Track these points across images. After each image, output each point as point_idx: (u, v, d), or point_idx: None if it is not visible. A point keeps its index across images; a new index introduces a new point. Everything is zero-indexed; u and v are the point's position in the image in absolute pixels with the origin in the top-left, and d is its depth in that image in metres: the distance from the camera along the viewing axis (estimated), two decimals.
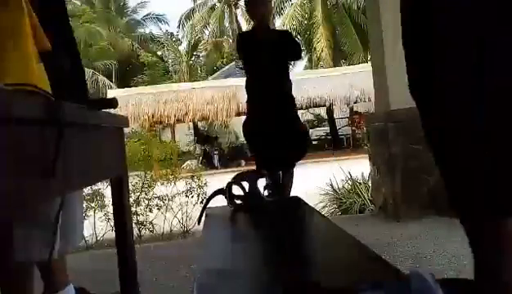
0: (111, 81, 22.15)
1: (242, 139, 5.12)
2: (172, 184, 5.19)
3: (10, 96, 0.75)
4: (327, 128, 20.12)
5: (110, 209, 3.91)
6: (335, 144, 17.93)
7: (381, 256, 1.23)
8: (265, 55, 3.04)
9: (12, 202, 0.75)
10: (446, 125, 0.94)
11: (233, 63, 21.69)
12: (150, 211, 4.99)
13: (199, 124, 17.87)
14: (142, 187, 4.99)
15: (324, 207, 5.30)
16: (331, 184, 5.54)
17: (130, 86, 19.77)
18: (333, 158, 12.74)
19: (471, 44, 0.85)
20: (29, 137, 0.82)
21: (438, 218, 3.45)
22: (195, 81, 18.78)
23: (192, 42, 24.34)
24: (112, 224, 3.90)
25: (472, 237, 0.93)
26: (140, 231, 4.87)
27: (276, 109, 3.10)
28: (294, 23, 18.33)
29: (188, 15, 24.30)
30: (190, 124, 17.04)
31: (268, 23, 3.22)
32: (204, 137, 16.47)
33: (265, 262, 1.43)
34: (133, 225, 3.23)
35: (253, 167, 3.42)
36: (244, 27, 24.02)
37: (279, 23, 19.98)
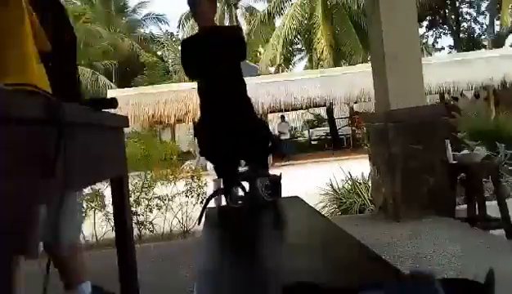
0: (111, 81, 22.14)
1: None
2: (172, 184, 5.19)
3: (10, 96, 0.75)
4: (327, 128, 20.12)
5: (110, 209, 3.91)
6: (335, 144, 17.92)
7: (381, 256, 1.23)
8: (210, 56, 2.91)
9: (12, 201, 0.75)
10: None
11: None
12: (150, 211, 4.99)
13: None
14: (142, 187, 4.99)
15: (324, 207, 5.30)
16: (331, 184, 5.54)
17: (130, 86, 19.76)
18: (333, 158, 12.73)
19: None
20: (29, 137, 0.82)
21: (438, 218, 3.45)
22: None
23: None
24: (112, 224, 3.91)
25: None
26: (140, 231, 4.87)
27: (229, 113, 2.89)
28: (294, 23, 18.30)
29: (188, 15, 24.26)
30: (190, 124, 17.05)
31: (212, 22, 3.08)
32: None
33: (265, 262, 1.43)
34: (133, 225, 3.23)
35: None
36: (245, 27, 24.02)
37: (279, 23, 20.00)
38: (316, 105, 15.49)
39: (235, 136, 2.81)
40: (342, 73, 15.21)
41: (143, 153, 5.26)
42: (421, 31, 24.76)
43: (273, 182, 2.61)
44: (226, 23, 25.57)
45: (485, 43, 24.14)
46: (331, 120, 18.98)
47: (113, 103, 1.36)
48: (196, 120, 3.20)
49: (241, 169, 3.06)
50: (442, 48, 27.89)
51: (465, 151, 4.05)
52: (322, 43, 17.87)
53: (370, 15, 4.17)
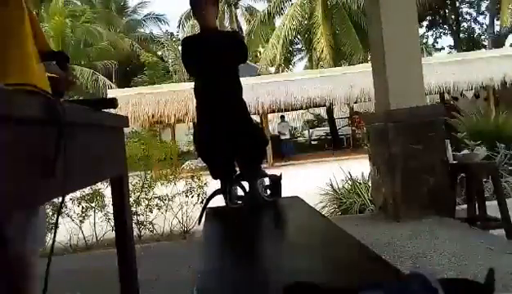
0: (111, 81, 22.13)
1: None
2: (172, 184, 5.19)
3: (10, 96, 0.75)
4: (327, 128, 20.13)
5: (110, 209, 3.91)
6: (335, 144, 17.93)
7: (381, 256, 1.23)
8: (211, 57, 2.92)
9: (12, 201, 0.75)
10: None
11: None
12: (150, 211, 4.99)
13: None
14: (142, 187, 4.99)
15: (324, 207, 5.30)
16: (331, 184, 5.54)
17: (130, 86, 19.76)
18: (333, 158, 12.74)
19: None
20: (29, 137, 0.82)
21: (438, 218, 3.45)
22: None
23: None
24: (112, 224, 3.91)
25: None
26: (140, 231, 4.87)
27: (225, 114, 2.91)
28: (294, 23, 18.29)
29: (188, 15, 24.28)
30: (190, 124, 17.04)
31: (214, 24, 3.09)
32: None
33: (265, 262, 1.43)
34: (133, 225, 3.23)
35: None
36: (245, 27, 24.02)
37: (279, 23, 20.00)
38: (316, 105, 15.49)
39: (231, 138, 2.82)
40: (342, 73, 15.20)
41: (143, 153, 5.26)
42: (421, 31, 24.77)
43: (273, 182, 2.61)
44: (226, 23, 25.57)
45: (485, 43, 24.15)
46: (331, 120, 18.99)
47: (113, 103, 1.36)
48: (195, 122, 3.19)
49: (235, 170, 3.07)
50: (442, 48, 27.93)
51: (465, 151, 4.05)
52: (322, 43, 17.87)
53: (370, 15, 4.17)
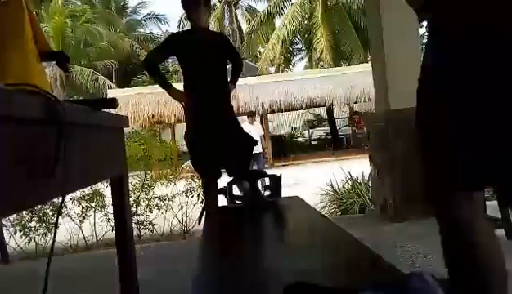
0: (111, 81, 22.14)
1: None
2: (172, 184, 5.19)
3: (10, 96, 0.75)
4: (327, 128, 20.12)
5: (110, 209, 3.91)
6: (335, 144, 17.92)
7: (381, 256, 1.23)
8: (201, 56, 2.93)
9: (12, 201, 0.75)
10: None
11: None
12: (150, 211, 4.99)
13: None
14: (142, 187, 4.99)
15: (324, 207, 5.30)
16: (331, 184, 5.54)
17: (130, 86, 19.76)
18: (333, 158, 12.74)
19: None
20: (29, 137, 0.82)
21: None
22: None
23: None
24: (112, 224, 3.91)
25: None
26: (140, 231, 4.87)
27: (217, 113, 2.93)
28: (294, 23, 18.30)
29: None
30: None
31: (204, 25, 3.09)
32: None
33: (265, 262, 1.43)
34: (133, 225, 3.23)
35: (254, 168, 3.38)
36: (245, 27, 24.02)
37: (279, 23, 20.00)
38: (316, 105, 15.49)
39: (219, 137, 2.84)
40: (342, 73, 15.21)
41: (143, 153, 5.26)
42: (421, 31, 24.73)
43: (273, 182, 2.61)
44: (226, 23, 25.57)
45: None
46: (331, 120, 18.98)
47: (113, 103, 1.36)
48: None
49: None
50: None
51: None
52: (322, 43, 17.88)
53: (369, 15, 4.17)
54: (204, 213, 3.05)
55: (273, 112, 15.57)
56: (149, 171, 5.17)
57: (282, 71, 22.12)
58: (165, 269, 2.87)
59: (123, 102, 13.14)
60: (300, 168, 12.43)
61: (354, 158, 11.34)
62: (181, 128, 16.57)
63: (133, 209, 4.68)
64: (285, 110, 15.47)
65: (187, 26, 26.57)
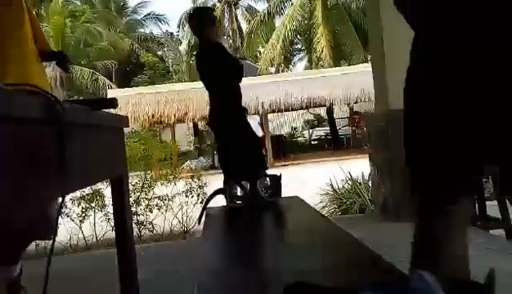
0: (111, 81, 22.12)
1: None
2: (172, 184, 5.19)
3: (10, 96, 0.75)
4: (327, 128, 20.11)
5: (110, 209, 3.91)
6: (335, 144, 17.90)
7: (381, 255, 1.23)
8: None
9: (13, 201, 0.75)
10: None
11: None
12: (150, 211, 5.00)
13: (200, 124, 17.87)
14: (142, 187, 4.99)
15: (324, 207, 5.31)
16: (331, 184, 5.54)
17: (130, 86, 19.75)
18: (333, 158, 12.72)
19: None
20: (29, 137, 0.82)
21: None
22: (194, 81, 18.75)
23: (192, 42, 24.33)
24: (112, 224, 3.91)
25: None
26: (140, 231, 4.87)
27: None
28: (294, 23, 18.28)
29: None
30: (190, 124, 17.04)
31: (213, 40, 3.34)
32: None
33: (265, 262, 1.43)
34: (133, 225, 3.23)
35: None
36: (245, 27, 24.02)
37: (279, 23, 19.99)
38: (316, 105, 15.47)
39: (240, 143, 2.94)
40: (342, 73, 15.19)
41: (143, 153, 5.26)
42: None
43: (273, 182, 2.61)
44: (226, 23, 25.57)
45: None
46: (331, 120, 18.96)
47: (113, 103, 1.36)
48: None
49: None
50: None
51: None
52: (322, 43, 17.86)
53: (369, 15, 4.17)
54: (204, 213, 3.05)
55: (273, 112, 15.57)
56: (149, 171, 5.17)
57: (282, 71, 22.12)
58: (165, 269, 2.86)
59: (123, 102, 13.13)
60: (300, 168, 12.42)
61: (354, 158, 11.32)
62: (181, 128, 16.63)
63: (133, 209, 4.68)
64: (285, 110, 15.45)
65: (187, 26, 26.58)
